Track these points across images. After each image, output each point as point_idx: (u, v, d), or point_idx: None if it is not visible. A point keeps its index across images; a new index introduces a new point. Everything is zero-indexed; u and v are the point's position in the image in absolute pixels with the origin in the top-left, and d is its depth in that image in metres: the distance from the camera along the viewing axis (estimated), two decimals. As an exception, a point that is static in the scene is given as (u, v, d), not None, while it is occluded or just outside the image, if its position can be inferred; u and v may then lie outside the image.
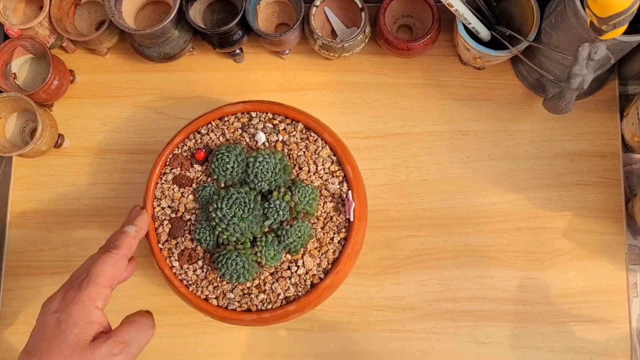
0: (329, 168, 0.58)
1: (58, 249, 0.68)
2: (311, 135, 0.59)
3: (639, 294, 0.65)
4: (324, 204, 0.57)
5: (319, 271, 0.57)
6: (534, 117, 0.69)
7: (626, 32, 0.51)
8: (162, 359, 0.65)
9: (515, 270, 0.65)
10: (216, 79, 0.71)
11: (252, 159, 0.55)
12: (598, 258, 0.65)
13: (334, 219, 0.57)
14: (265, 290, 0.56)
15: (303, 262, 0.56)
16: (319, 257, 0.57)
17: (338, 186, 0.58)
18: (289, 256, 0.56)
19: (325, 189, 0.58)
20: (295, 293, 0.56)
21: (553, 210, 0.67)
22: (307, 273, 0.56)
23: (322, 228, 0.57)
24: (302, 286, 0.56)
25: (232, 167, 0.56)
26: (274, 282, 0.56)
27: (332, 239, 0.57)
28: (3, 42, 0.66)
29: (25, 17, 0.69)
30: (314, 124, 0.59)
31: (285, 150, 0.58)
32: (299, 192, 0.55)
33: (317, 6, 0.65)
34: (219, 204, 0.54)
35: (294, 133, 0.59)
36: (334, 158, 0.59)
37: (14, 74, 0.68)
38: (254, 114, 0.60)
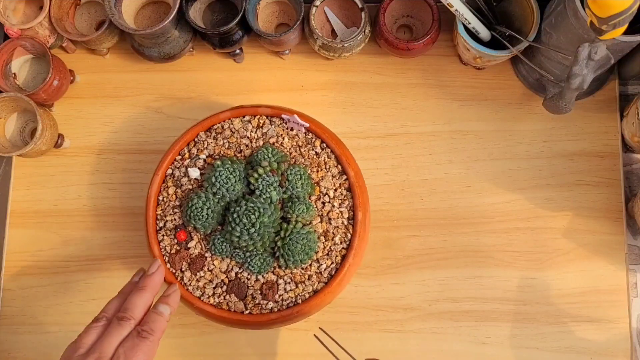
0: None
1: (58, 249, 0.68)
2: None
3: (639, 294, 0.65)
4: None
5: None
6: (534, 117, 0.69)
7: (626, 32, 0.51)
8: (162, 359, 0.65)
9: (515, 270, 0.65)
10: (216, 79, 0.71)
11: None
12: (598, 258, 0.65)
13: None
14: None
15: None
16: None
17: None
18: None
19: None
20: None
21: (553, 210, 0.67)
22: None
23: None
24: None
25: (207, 214, 0.55)
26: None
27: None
28: (3, 42, 0.66)
29: (25, 17, 0.69)
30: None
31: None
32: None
33: (317, 6, 0.65)
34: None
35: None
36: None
37: (14, 74, 0.68)
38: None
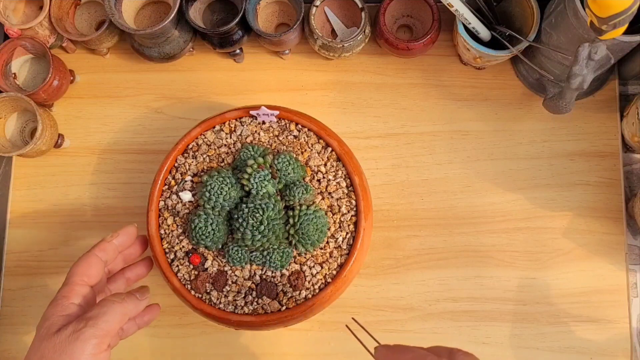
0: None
1: (58, 249, 0.68)
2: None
3: (639, 294, 0.65)
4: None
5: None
6: (534, 117, 0.69)
7: (626, 32, 0.51)
8: (162, 359, 0.65)
9: (515, 270, 0.65)
10: (216, 79, 0.71)
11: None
12: (598, 258, 0.65)
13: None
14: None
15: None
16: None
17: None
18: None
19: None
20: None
21: (553, 210, 0.67)
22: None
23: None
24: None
25: (213, 230, 0.55)
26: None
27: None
28: (3, 42, 0.66)
29: (25, 17, 0.69)
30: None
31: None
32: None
33: (317, 6, 0.65)
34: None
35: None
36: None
37: (14, 74, 0.68)
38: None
